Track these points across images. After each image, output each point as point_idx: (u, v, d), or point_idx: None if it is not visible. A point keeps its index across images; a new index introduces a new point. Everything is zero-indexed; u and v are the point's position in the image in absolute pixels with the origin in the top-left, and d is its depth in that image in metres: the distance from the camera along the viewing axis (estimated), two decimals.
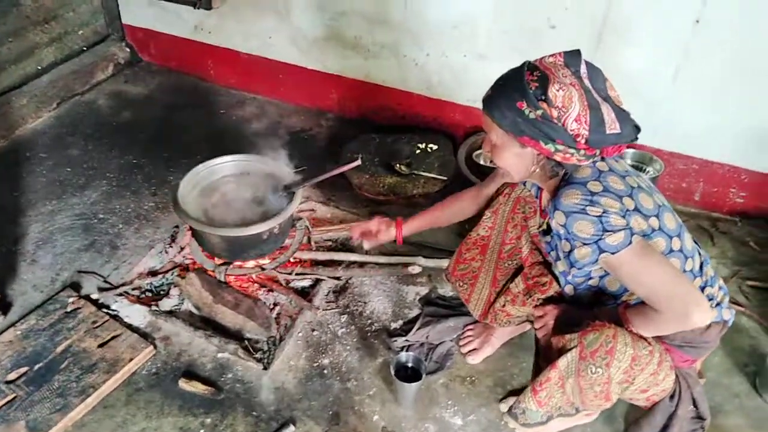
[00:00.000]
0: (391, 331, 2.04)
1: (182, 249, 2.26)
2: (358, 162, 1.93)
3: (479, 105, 2.77)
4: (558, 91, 1.25)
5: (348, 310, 2.11)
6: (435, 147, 2.73)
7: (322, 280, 2.17)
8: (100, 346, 1.89)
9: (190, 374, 1.87)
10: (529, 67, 1.31)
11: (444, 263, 2.25)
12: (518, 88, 1.28)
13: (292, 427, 1.73)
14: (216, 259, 2.06)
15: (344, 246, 2.35)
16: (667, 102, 2.39)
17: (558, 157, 1.33)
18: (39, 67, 3.03)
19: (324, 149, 2.91)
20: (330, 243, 2.36)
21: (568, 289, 1.57)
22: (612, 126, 1.29)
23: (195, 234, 2.02)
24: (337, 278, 2.19)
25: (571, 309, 1.58)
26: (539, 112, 1.26)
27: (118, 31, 3.37)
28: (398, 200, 2.55)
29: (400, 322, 2.08)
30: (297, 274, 2.14)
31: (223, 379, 1.87)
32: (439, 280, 2.23)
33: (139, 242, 2.33)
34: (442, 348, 1.99)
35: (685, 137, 2.48)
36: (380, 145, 2.77)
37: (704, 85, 2.32)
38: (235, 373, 1.89)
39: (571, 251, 1.36)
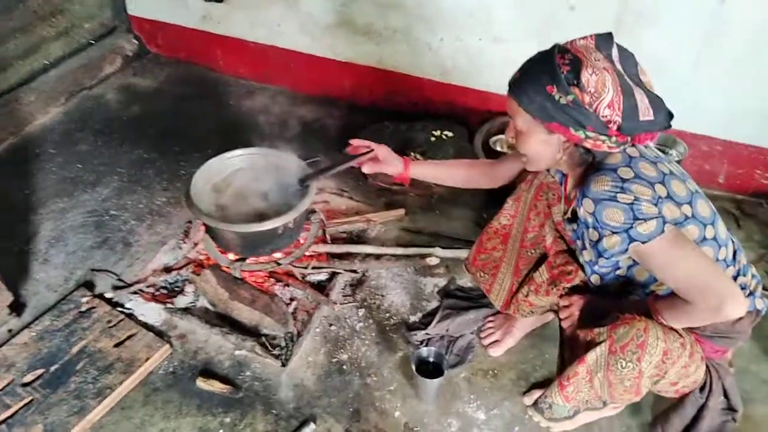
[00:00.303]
0: (410, 325, 2.00)
1: (196, 245, 2.23)
2: (374, 153, 1.85)
3: (495, 90, 2.72)
4: (591, 75, 1.19)
5: (365, 303, 2.07)
6: (450, 134, 2.66)
7: (338, 273, 2.12)
8: (116, 345, 1.87)
9: (208, 373, 1.84)
10: (560, 50, 1.24)
11: (462, 253, 2.21)
12: (548, 72, 1.22)
13: (312, 425, 1.70)
14: (231, 254, 2.02)
15: (360, 238, 2.30)
16: (690, 83, 2.30)
17: (588, 144, 1.27)
18: (46, 62, 2.99)
19: (336, 139, 2.85)
20: (345, 235, 2.32)
21: (594, 279, 1.52)
22: (645, 113, 1.23)
23: (209, 230, 1.98)
24: (354, 271, 2.15)
25: (597, 299, 1.52)
26: (570, 98, 1.20)
27: (125, 23, 3.32)
28: (414, 190, 2.49)
29: (419, 314, 2.04)
30: (313, 268, 2.10)
31: (241, 377, 1.84)
32: (458, 270, 2.18)
33: (152, 238, 2.29)
34: (462, 341, 1.95)
35: (709, 118, 2.40)
36: (394, 133, 2.71)
37: (727, 66, 2.24)
38: (253, 371, 1.86)
39: (599, 240, 1.31)
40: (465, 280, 2.15)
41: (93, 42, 3.21)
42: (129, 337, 1.90)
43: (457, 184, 1.79)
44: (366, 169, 1.73)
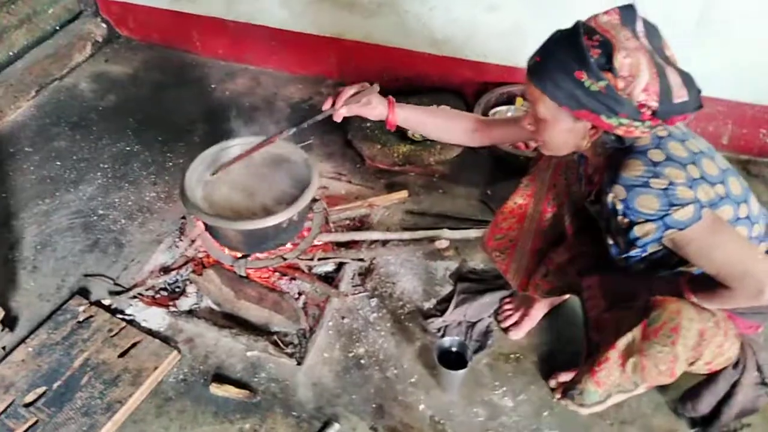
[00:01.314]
0: (425, 312, 1.93)
1: (193, 241, 2.12)
2: (377, 86, 1.54)
3: (491, 60, 2.62)
4: (625, 58, 1.10)
5: (377, 292, 1.99)
6: (447, 108, 2.57)
7: (345, 263, 2.04)
8: (121, 355, 1.77)
9: (221, 377, 1.76)
10: (586, 30, 1.14)
11: (471, 233, 2.15)
12: (576, 56, 1.13)
13: (336, 426, 1.64)
14: (233, 252, 1.92)
15: (363, 224, 2.22)
16: (692, 43, 2.23)
17: (620, 132, 1.18)
18: (11, 53, 2.80)
19: (328, 119, 2.72)
20: (348, 222, 2.23)
21: (620, 261, 1.46)
22: (679, 93, 1.15)
23: (209, 228, 1.87)
24: (361, 260, 2.07)
25: (622, 278, 1.47)
26: (603, 84, 1.12)
27: (92, 6, 3.12)
28: (415, 170, 2.40)
29: (433, 300, 1.97)
30: (319, 260, 2.01)
31: (256, 379, 1.76)
32: (468, 252, 2.12)
33: (145, 237, 2.18)
34: (480, 325, 1.89)
35: (711, 79, 2.30)
36: None
37: (732, 24, 2.16)
38: (268, 372, 1.78)
39: (630, 228, 1.24)
40: (476, 262, 2.09)
41: (58, 28, 3.02)
42: (133, 346, 1.80)
43: (441, 137, 1.65)
44: (342, 113, 1.49)
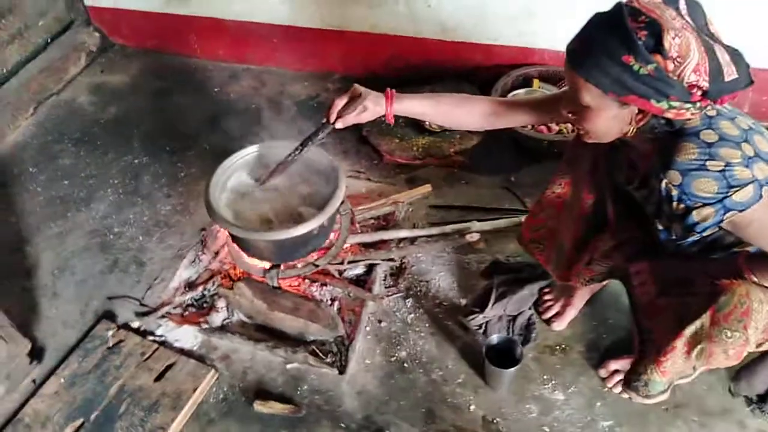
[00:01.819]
0: (464, 309, 1.88)
1: (217, 254, 2.06)
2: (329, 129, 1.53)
3: (503, 42, 2.54)
4: (674, 39, 1.04)
5: (411, 292, 1.94)
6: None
7: (375, 264, 1.98)
8: (157, 379, 1.72)
9: (263, 393, 1.70)
10: (630, 11, 1.08)
11: (500, 224, 2.09)
12: (623, 39, 1.06)
13: None
14: (262, 262, 1.86)
15: (388, 222, 2.16)
16: (708, 10, 2.17)
17: (670, 115, 1.13)
18: (5, 70, 2.70)
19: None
20: (373, 221, 2.16)
21: (670, 245, 1.41)
22: (729, 71, 1.09)
23: (236, 239, 1.80)
24: (392, 259, 2.01)
25: (674, 262, 1.42)
26: (652, 67, 1.05)
27: (83, 15, 3.00)
28: (435, 162, 2.33)
29: (470, 296, 1.92)
30: (349, 263, 1.96)
31: (299, 392, 1.71)
32: (499, 243, 2.06)
33: (166, 253, 2.11)
34: (521, 318, 1.85)
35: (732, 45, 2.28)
36: None
37: None
38: (311, 384, 1.73)
39: (687, 213, 1.19)
40: (509, 253, 2.03)
41: (50, 41, 2.91)
42: (169, 368, 1.74)
43: (452, 124, 1.60)
44: (339, 125, 1.47)
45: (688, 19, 1.09)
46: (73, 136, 2.63)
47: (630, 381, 1.48)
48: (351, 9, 2.57)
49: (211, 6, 2.78)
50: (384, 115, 1.47)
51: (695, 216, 1.17)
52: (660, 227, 1.33)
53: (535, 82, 2.45)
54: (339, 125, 1.46)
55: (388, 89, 1.46)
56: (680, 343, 1.33)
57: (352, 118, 1.45)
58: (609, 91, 1.11)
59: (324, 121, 1.49)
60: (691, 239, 1.23)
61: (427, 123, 2.36)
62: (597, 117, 1.19)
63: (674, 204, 1.20)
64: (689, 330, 1.30)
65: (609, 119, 1.19)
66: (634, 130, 1.21)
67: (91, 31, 3.04)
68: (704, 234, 1.22)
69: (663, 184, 1.19)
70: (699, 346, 1.32)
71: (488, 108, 1.52)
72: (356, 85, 1.47)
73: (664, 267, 1.44)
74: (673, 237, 1.27)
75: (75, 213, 2.28)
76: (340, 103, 1.45)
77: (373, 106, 1.44)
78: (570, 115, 1.26)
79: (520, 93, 2.42)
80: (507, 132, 2.29)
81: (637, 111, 1.17)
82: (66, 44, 2.93)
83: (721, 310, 1.25)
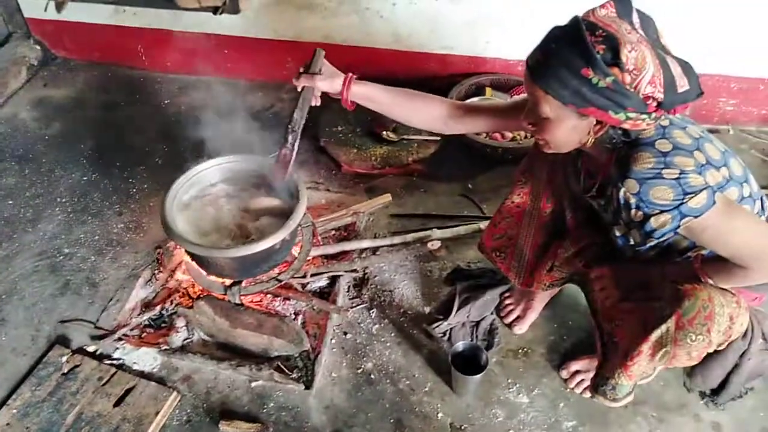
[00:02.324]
0: (428, 317, 1.90)
1: (173, 271, 2.01)
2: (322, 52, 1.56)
3: (456, 51, 2.59)
4: (630, 52, 1.08)
5: (375, 303, 1.94)
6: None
7: (339, 276, 1.98)
8: (117, 404, 1.66)
9: (228, 413, 1.67)
10: (588, 26, 1.12)
11: (459, 230, 2.12)
12: (581, 53, 1.10)
13: None
14: (223, 279, 1.83)
15: (350, 233, 2.15)
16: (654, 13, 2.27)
17: (627, 125, 1.17)
18: None
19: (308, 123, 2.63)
20: (334, 232, 2.16)
21: (627, 250, 1.46)
22: (681, 83, 1.14)
23: (195, 257, 1.76)
24: (354, 270, 2.01)
25: (634, 267, 1.47)
26: (610, 79, 1.09)
27: (22, 28, 2.89)
28: (394, 171, 2.35)
29: (433, 304, 1.94)
30: (312, 276, 1.94)
31: (265, 410, 1.68)
32: (459, 250, 2.09)
33: (120, 273, 2.04)
34: (484, 324, 1.87)
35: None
36: (356, 112, 2.52)
37: None
38: (277, 401, 1.71)
39: (645, 220, 1.23)
40: (469, 259, 2.06)
41: None
42: (128, 392, 1.69)
43: (409, 120, 1.57)
44: (298, 82, 1.51)
45: (642, 33, 1.14)
46: (16, 154, 2.52)
47: (597, 386, 1.50)
48: (304, 20, 2.56)
49: (160, 18, 2.71)
50: (340, 97, 1.49)
51: (653, 222, 1.22)
52: (618, 234, 1.38)
53: (488, 90, 2.50)
54: (300, 83, 1.49)
55: (349, 74, 1.48)
56: (646, 347, 1.36)
57: (318, 81, 1.47)
58: (568, 102, 1.15)
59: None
60: (649, 245, 1.28)
61: (383, 132, 2.37)
62: (556, 128, 1.22)
63: (632, 211, 1.24)
64: (655, 335, 1.33)
65: (568, 130, 1.22)
66: (593, 140, 1.25)
67: (31, 44, 2.93)
68: (662, 239, 1.27)
69: (621, 193, 1.23)
70: (664, 350, 1.35)
71: (447, 110, 1.52)
72: (318, 49, 1.49)
73: (624, 272, 1.48)
74: (631, 243, 1.32)
75: (21, 234, 2.18)
76: (300, 68, 1.49)
77: (330, 78, 1.47)
78: (530, 126, 1.29)
79: (474, 101, 2.46)
80: (462, 140, 2.33)
81: (595, 122, 1.20)
82: (5, 58, 2.82)
83: (686, 314, 1.29)
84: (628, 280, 1.46)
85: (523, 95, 1.34)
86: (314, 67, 1.47)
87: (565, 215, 1.60)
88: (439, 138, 2.39)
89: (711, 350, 1.35)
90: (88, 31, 2.85)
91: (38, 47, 2.94)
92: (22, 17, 2.87)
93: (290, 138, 1.60)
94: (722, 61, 2.37)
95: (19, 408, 1.65)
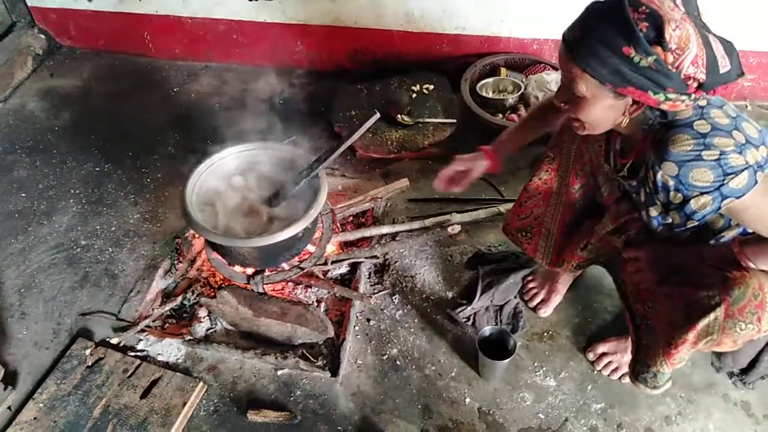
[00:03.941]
0: (451, 302, 1.88)
1: (193, 261, 1.99)
2: (377, 115, 1.65)
3: (469, 31, 2.54)
4: (674, 30, 1.04)
5: (397, 288, 1.93)
6: (431, 87, 2.49)
7: (359, 262, 1.96)
8: (143, 396, 1.65)
9: (256, 402, 1.66)
10: (631, 2, 1.07)
11: (479, 214, 2.10)
12: (623, 31, 1.06)
13: None
14: (245, 268, 1.81)
15: (368, 219, 2.13)
16: None
17: (665, 106, 1.14)
18: None
19: (307, 111, 2.60)
20: (352, 218, 2.14)
21: (663, 231, 1.43)
22: (723, 63, 1.10)
23: (217, 246, 1.75)
24: (375, 257, 1.99)
25: (668, 249, 1.44)
26: (651, 59, 1.06)
27: (26, 17, 2.84)
28: (410, 155, 2.32)
29: (456, 288, 1.92)
30: (333, 263, 1.93)
31: (292, 398, 1.68)
32: (479, 234, 2.07)
33: (139, 264, 2.02)
34: (508, 308, 1.86)
35: None
36: (370, 95, 2.50)
37: None
38: (303, 389, 1.70)
39: (685, 202, 1.21)
40: (491, 243, 2.04)
41: None
42: (154, 384, 1.68)
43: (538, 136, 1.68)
44: (458, 189, 1.69)
45: (684, 10, 1.10)
46: (26, 145, 2.49)
47: (638, 373, 1.45)
48: (314, 2, 2.52)
49: (168, 3, 2.67)
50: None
51: (693, 205, 1.19)
52: (654, 214, 1.35)
53: (502, 70, 2.46)
54: (458, 189, 1.69)
55: (483, 148, 1.64)
56: (692, 336, 1.32)
57: (464, 182, 1.67)
58: (606, 82, 1.11)
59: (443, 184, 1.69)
60: (689, 226, 1.26)
61: (398, 116, 2.34)
62: (592, 107, 1.19)
63: (671, 194, 1.21)
64: (702, 323, 1.29)
65: (603, 110, 1.19)
66: (627, 121, 1.22)
67: (36, 33, 2.88)
68: (703, 221, 1.25)
69: (659, 176, 1.20)
70: (709, 337, 1.31)
71: (551, 116, 1.58)
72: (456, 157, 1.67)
73: (660, 254, 1.45)
74: (669, 222, 1.29)
75: (37, 227, 2.16)
76: (448, 172, 1.66)
77: (475, 163, 1.64)
78: (563, 105, 1.26)
79: (488, 82, 2.43)
80: (478, 122, 2.30)
81: (631, 102, 1.17)
82: (9, 48, 2.77)
83: (736, 303, 1.25)
84: (665, 264, 1.43)
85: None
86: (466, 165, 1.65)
87: (598, 192, 1.56)
88: (454, 121, 2.35)
89: (758, 338, 1.33)
90: (93, 20, 2.80)
91: (43, 36, 2.89)
92: (26, 6, 2.82)
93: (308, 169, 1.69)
94: (740, 35, 2.31)
95: (46, 402, 1.65)
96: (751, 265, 1.29)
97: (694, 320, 1.28)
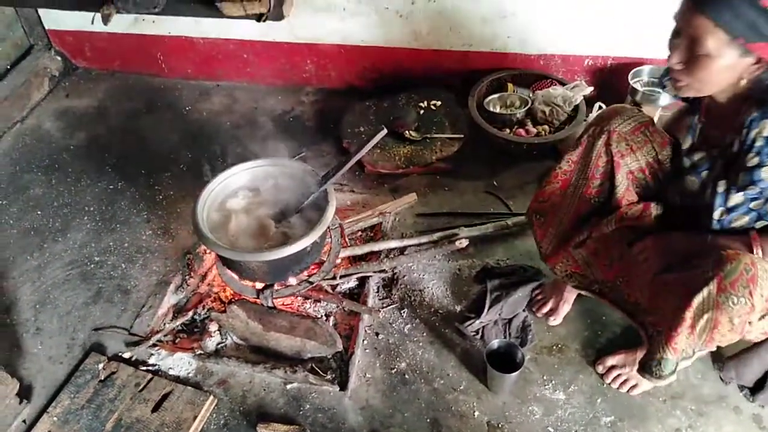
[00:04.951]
0: (459, 316, 1.89)
1: (204, 276, 2.02)
2: (384, 131, 1.68)
3: (476, 48, 2.57)
4: None
5: (406, 302, 1.94)
6: (438, 103, 2.52)
7: (368, 276, 1.98)
8: (154, 410, 1.67)
9: (265, 416, 1.67)
10: None
11: (487, 228, 2.11)
12: None
13: None
14: (254, 283, 1.83)
15: (376, 233, 2.15)
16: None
17: None
18: None
19: (316, 128, 2.64)
20: (360, 233, 2.16)
21: (705, 218, 1.38)
22: None
23: (228, 261, 1.77)
24: (383, 271, 2.01)
25: (674, 239, 1.43)
26: None
27: (43, 39, 2.92)
28: (418, 170, 2.34)
29: (464, 302, 1.93)
30: (341, 277, 1.94)
31: (301, 412, 1.69)
32: (488, 248, 2.08)
33: (151, 280, 2.05)
34: (516, 321, 1.86)
35: None
36: (378, 112, 2.54)
37: None
38: (312, 402, 1.71)
39: (756, 168, 1.19)
40: (499, 256, 2.05)
41: (10, 67, 2.81)
42: (165, 397, 1.70)
43: None
44: (555, 322, 1.86)
45: None
46: (42, 164, 2.54)
47: (644, 363, 1.43)
48: (322, 22, 2.56)
49: (180, 25, 2.73)
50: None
51: (763, 173, 1.19)
52: (720, 189, 1.31)
53: (509, 85, 2.49)
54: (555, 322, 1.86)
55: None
56: (688, 315, 1.29)
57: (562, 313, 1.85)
58: (739, 36, 1.09)
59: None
60: (750, 193, 1.24)
61: (406, 132, 2.37)
62: (711, 66, 1.16)
63: (750, 155, 1.20)
64: (697, 299, 1.27)
65: (723, 69, 1.16)
66: (745, 83, 1.19)
67: (52, 55, 2.95)
68: (759, 196, 1.24)
69: (753, 133, 1.18)
70: (705, 316, 1.29)
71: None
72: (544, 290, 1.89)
73: (665, 242, 1.44)
74: (727, 203, 1.28)
75: (51, 244, 2.20)
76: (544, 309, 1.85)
77: (563, 299, 1.84)
78: (679, 65, 1.22)
79: (495, 97, 2.46)
80: (486, 137, 2.32)
81: (754, 62, 1.14)
82: (27, 70, 2.84)
83: (728, 277, 1.23)
84: (672, 249, 1.42)
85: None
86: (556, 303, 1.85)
87: (612, 191, 1.54)
88: (462, 136, 2.38)
89: (753, 318, 1.29)
90: (108, 41, 2.87)
91: (59, 58, 2.97)
92: (43, 29, 2.89)
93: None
94: None
95: (59, 415, 1.67)
96: (760, 253, 1.27)
97: (689, 297, 1.26)
